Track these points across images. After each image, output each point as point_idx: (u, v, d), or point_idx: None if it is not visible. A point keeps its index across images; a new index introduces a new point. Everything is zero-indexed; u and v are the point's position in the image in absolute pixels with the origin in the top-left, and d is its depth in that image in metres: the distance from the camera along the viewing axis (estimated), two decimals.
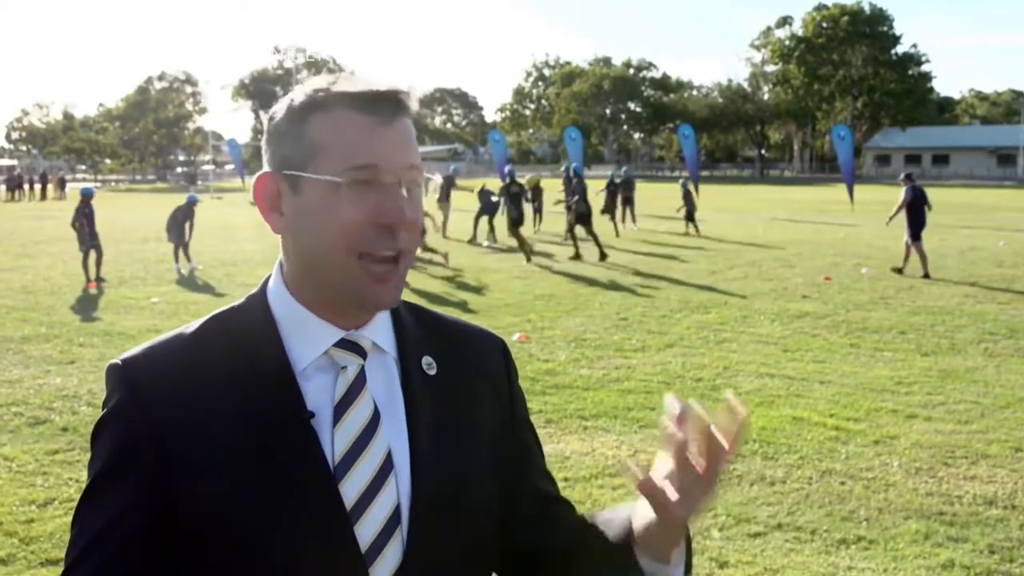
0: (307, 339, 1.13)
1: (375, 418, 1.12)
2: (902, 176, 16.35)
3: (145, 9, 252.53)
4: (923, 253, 14.63)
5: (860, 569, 4.42)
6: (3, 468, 5.85)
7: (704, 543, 4.67)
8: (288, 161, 1.11)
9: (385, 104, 1.09)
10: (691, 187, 24.11)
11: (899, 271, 14.85)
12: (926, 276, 14.33)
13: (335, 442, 1.10)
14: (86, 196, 15.07)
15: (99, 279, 14.35)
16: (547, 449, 5.83)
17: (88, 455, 1.11)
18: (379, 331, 1.18)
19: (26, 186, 51.16)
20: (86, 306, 12.21)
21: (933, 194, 17.22)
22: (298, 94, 1.13)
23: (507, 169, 21.35)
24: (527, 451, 1.31)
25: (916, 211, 14.99)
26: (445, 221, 22.09)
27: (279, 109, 1.14)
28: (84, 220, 14.69)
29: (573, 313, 11.35)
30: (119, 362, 1.12)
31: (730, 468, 5.77)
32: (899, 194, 15.69)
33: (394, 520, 1.11)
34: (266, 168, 1.15)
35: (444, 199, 22.41)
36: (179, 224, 16.43)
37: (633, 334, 10.01)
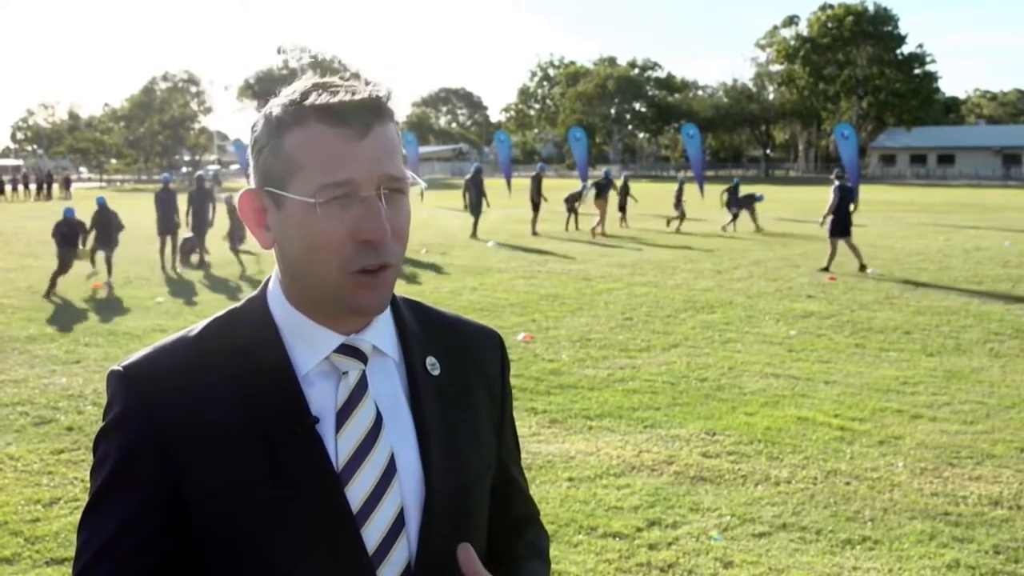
0: (308, 345, 1.13)
1: (377, 423, 1.13)
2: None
3: (149, 9, 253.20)
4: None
5: (865, 569, 4.41)
6: (8, 467, 5.87)
7: (708, 543, 4.67)
8: (269, 177, 1.10)
9: (360, 115, 1.07)
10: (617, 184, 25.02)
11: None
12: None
13: (339, 447, 1.11)
14: (101, 207, 15.26)
15: (95, 276, 14.36)
16: (552, 449, 5.79)
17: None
18: (380, 334, 1.18)
19: (32, 186, 51.20)
20: (91, 306, 12.25)
21: (938, 194, 17.34)
22: (275, 106, 1.11)
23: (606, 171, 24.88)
24: (508, 445, 1.34)
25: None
26: (602, 219, 22.65)
27: (259, 121, 1.12)
28: (99, 227, 14.88)
29: (578, 313, 11.35)
30: (120, 368, 1.12)
31: (735, 468, 5.77)
32: (831, 196, 16.68)
33: (399, 522, 1.12)
34: (251, 184, 1.14)
35: (599, 198, 22.84)
36: (202, 212, 16.69)
37: (638, 334, 10.01)
